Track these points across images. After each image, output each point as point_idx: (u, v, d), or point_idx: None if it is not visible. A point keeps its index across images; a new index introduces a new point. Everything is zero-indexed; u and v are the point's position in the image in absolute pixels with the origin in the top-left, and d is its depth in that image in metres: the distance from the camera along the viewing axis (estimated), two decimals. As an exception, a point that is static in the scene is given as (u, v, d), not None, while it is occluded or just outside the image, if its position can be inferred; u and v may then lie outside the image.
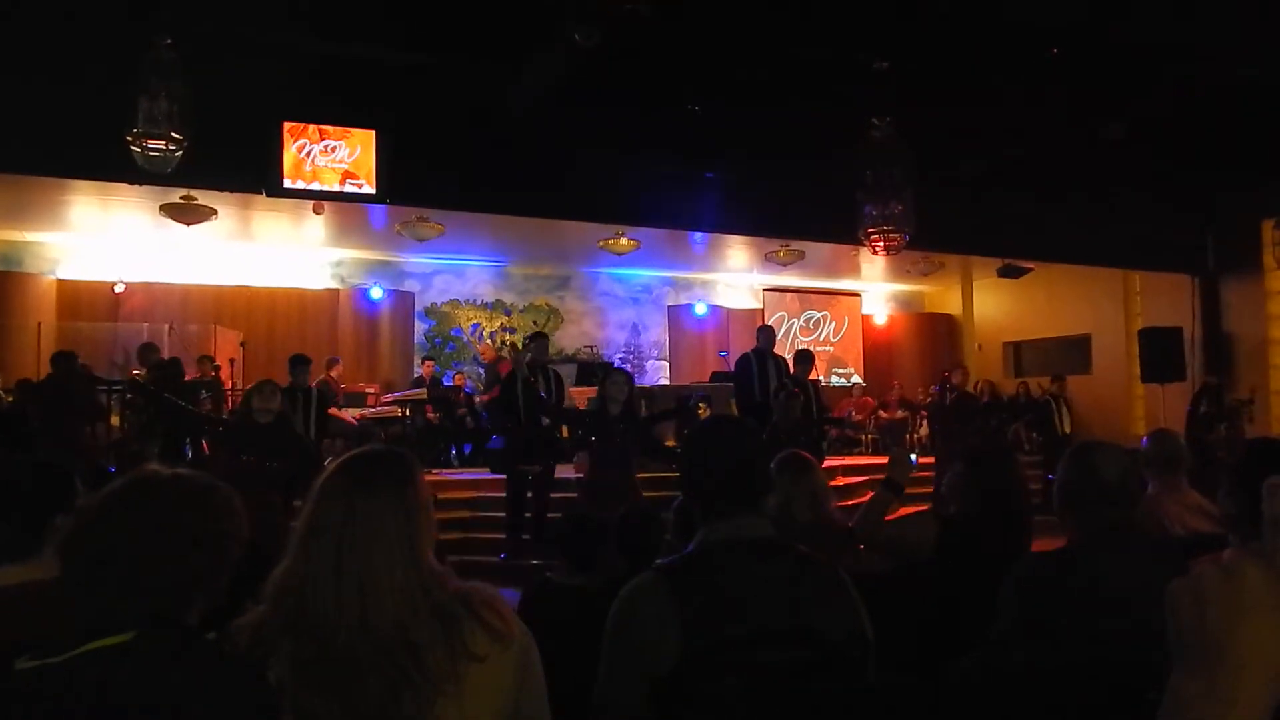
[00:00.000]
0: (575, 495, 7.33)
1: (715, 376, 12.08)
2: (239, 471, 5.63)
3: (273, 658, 1.49)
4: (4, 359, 10.50)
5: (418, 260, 13.77)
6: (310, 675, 1.47)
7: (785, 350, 11.70)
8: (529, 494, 8.01)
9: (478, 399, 11.57)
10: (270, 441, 5.97)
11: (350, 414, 10.59)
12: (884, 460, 11.53)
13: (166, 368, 8.81)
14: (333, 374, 10.70)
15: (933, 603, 2.68)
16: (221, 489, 1.59)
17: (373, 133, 8.01)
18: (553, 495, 8.01)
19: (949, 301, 16.62)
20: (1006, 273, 13.08)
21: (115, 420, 9.15)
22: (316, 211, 9.86)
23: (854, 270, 14.91)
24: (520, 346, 8.44)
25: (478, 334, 13.92)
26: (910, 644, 2.27)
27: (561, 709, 1.72)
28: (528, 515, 7.94)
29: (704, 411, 9.09)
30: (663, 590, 1.79)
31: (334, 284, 13.51)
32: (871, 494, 3.68)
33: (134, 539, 1.44)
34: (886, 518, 3.55)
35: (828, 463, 9.36)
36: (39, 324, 11.08)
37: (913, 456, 3.88)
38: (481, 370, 12.33)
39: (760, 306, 15.38)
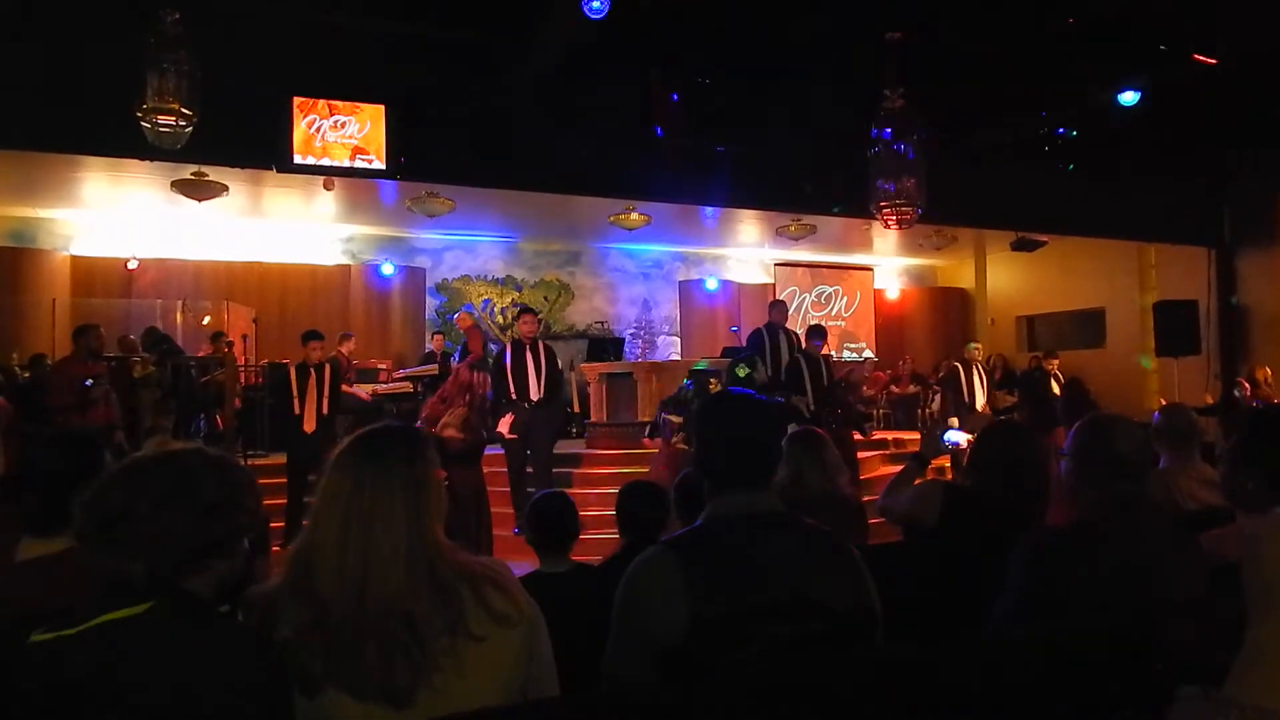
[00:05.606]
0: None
1: (726, 352, 12.04)
2: None
3: (280, 620, 1.51)
4: (19, 335, 10.56)
5: (428, 236, 13.77)
6: (310, 639, 1.50)
7: (797, 325, 11.68)
8: (529, 468, 8.06)
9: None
10: None
11: (362, 390, 10.61)
12: (895, 435, 11.61)
13: (164, 342, 8.94)
14: (344, 349, 10.71)
15: (937, 573, 2.69)
16: (237, 463, 1.64)
17: (382, 108, 7.97)
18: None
19: (962, 275, 16.52)
20: (1020, 246, 12.96)
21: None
22: (327, 187, 9.86)
23: (866, 244, 14.81)
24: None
25: (489, 310, 13.92)
26: (917, 614, 2.27)
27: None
28: (531, 490, 8.00)
29: (715, 386, 9.09)
30: (671, 564, 1.80)
31: (345, 260, 13.52)
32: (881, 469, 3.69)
33: (147, 503, 1.46)
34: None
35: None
36: (53, 300, 11.14)
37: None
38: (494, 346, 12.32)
39: (771, 281, 15.32)
